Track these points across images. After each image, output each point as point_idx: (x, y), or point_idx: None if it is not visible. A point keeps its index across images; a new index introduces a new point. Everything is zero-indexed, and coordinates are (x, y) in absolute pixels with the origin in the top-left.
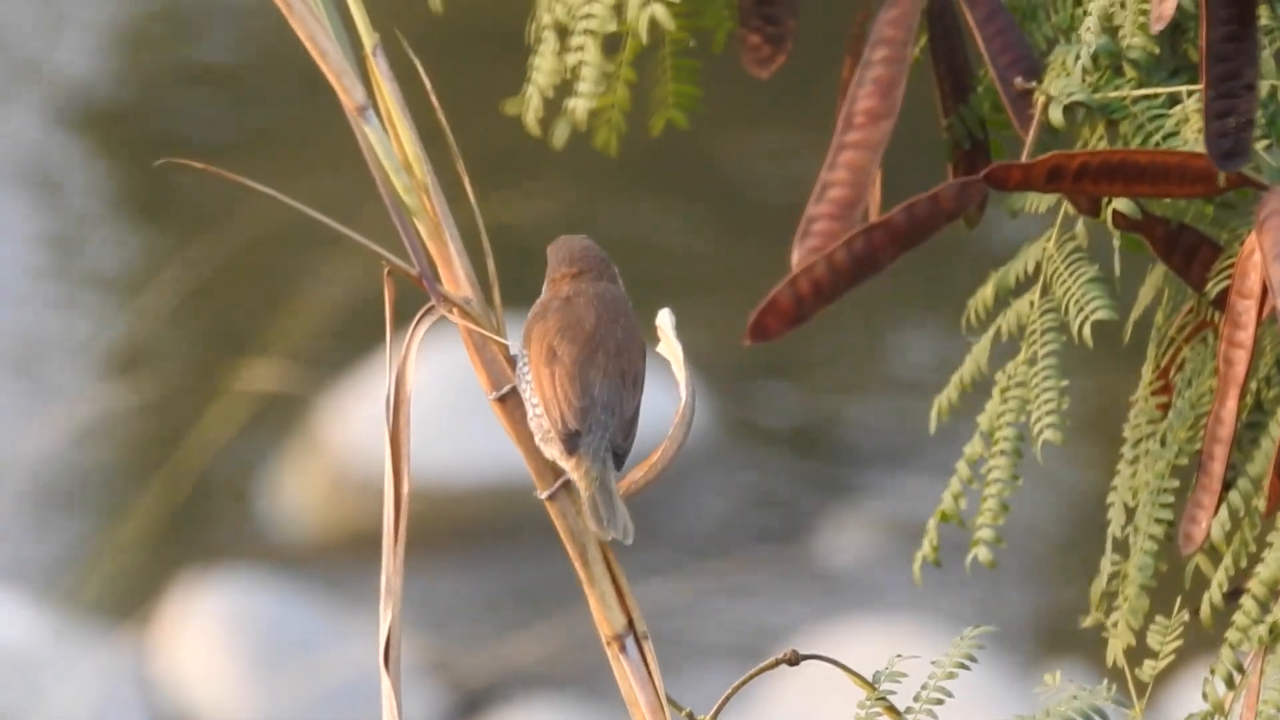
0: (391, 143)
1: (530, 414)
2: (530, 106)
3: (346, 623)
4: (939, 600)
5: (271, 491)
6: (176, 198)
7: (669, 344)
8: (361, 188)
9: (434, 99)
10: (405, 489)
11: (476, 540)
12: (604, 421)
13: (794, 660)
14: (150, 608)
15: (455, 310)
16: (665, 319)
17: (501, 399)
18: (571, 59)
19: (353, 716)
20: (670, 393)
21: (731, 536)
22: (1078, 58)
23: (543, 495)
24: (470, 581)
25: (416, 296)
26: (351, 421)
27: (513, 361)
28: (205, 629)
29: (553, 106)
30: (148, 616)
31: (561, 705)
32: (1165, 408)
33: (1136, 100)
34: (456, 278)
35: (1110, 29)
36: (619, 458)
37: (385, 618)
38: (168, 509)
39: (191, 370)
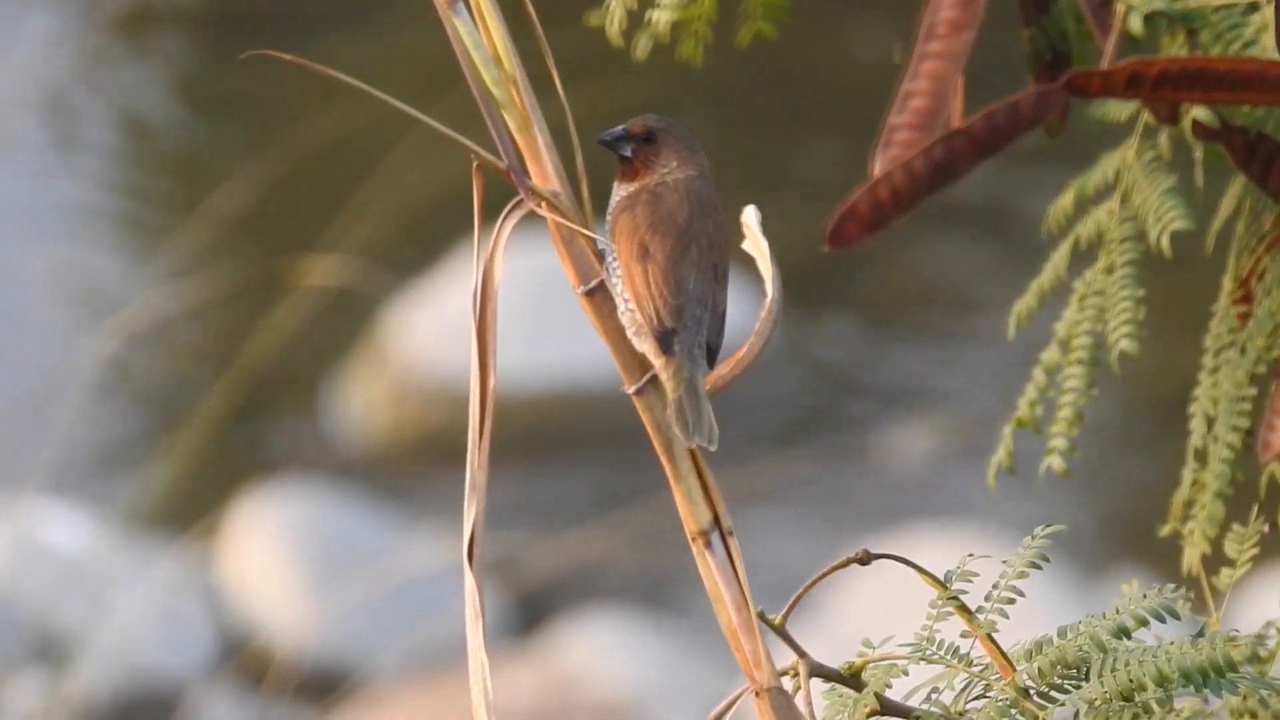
0: (480, 35)
1: (621, 308)
2: (614, 18)
3: (409, 531)
4: (1000, 506)
5: (335, 399)
6: (250, 94)
7: (755, 241)
8: (427, 89)
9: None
10: (491, 384)
11: (539, 446)
12: (699, 317)
13: (865, 560)
14: (214, 518)
15: (544, 204)
16: (751, 215)
17: (589, 293)
18: None
19: (416, 623)
20: (741, 289)
21: (794, 435)
22: None
23: (630, 390)
24: (533, 487)
25: (497, 191)
26: (415, 329)
27: (600, 255)
28: (269, 539)
29: (636, 17)
30: (211, 527)
31: (620, 605)
32: (1245, 317)
33: (1216, 9)
34: (545, 172)
35: None
36: (712, 355)
37: (469, 515)
38: (231, 416)
39: (258, 269)
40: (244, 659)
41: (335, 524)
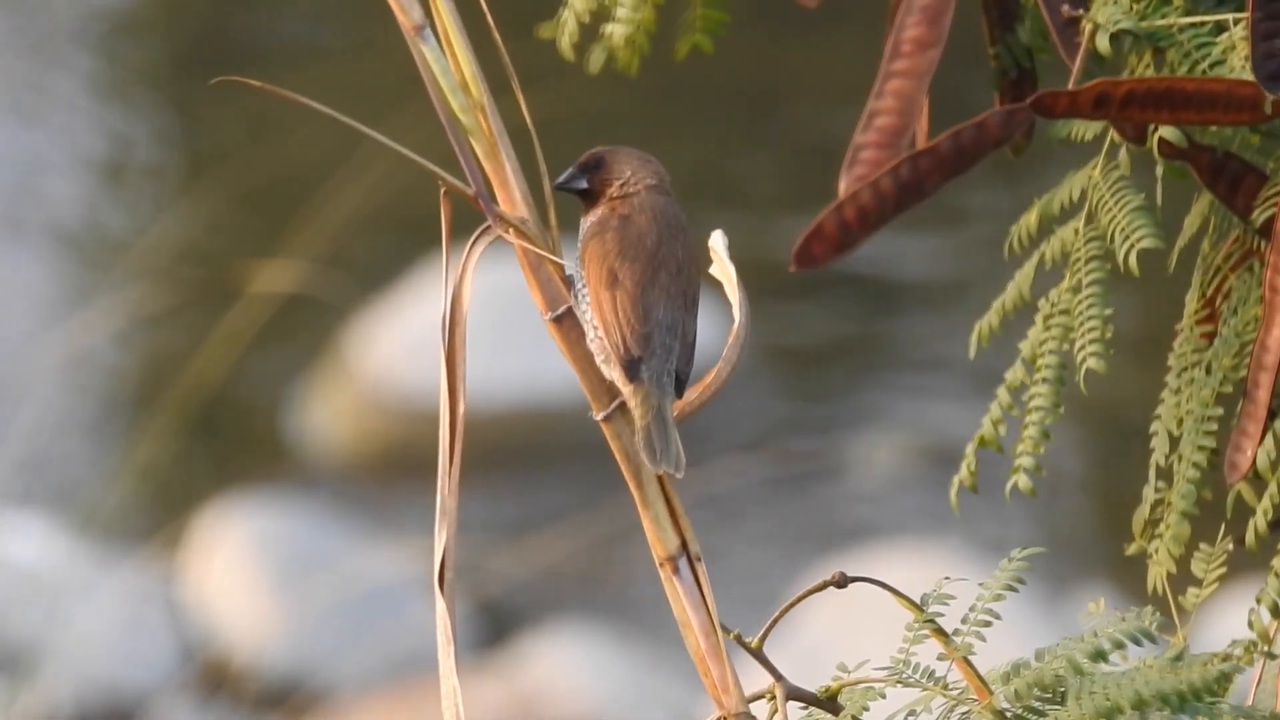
0: (448, 61)
1: (590, 335)
2: (565, 31)
3: (373, 545)
4: (966, 523)
5: (298, 411)
6: (217, 114)
7: (721, 265)
8: (384, 108)
9: (489, 17)
10: (461, 409)
11: (503, 461)
12: (667, 344)
13: (842, 583)
14: (176, 529)
15: (512, 230)
16: (718, 240)
17: (557, 319)
18: None
19: (378, 634)
20: (710, 313)
21: (762, 454)
22: None
23: (598, 417)
24: (497, 501)
25: (465, 211)
26: (378, 342)
27: (568, 282)
28: (231, 549)
29: (587, 28)
30: (173, 537)
31: (584, 618)
32: (1210, 336)
33: (1183, 28)
34: (513, 198)
35: None
36: (680, 384)
37: (440, 540)
38: (192, 425)
39: (215, 276)
40: (206, 669)
41: (298, 535)
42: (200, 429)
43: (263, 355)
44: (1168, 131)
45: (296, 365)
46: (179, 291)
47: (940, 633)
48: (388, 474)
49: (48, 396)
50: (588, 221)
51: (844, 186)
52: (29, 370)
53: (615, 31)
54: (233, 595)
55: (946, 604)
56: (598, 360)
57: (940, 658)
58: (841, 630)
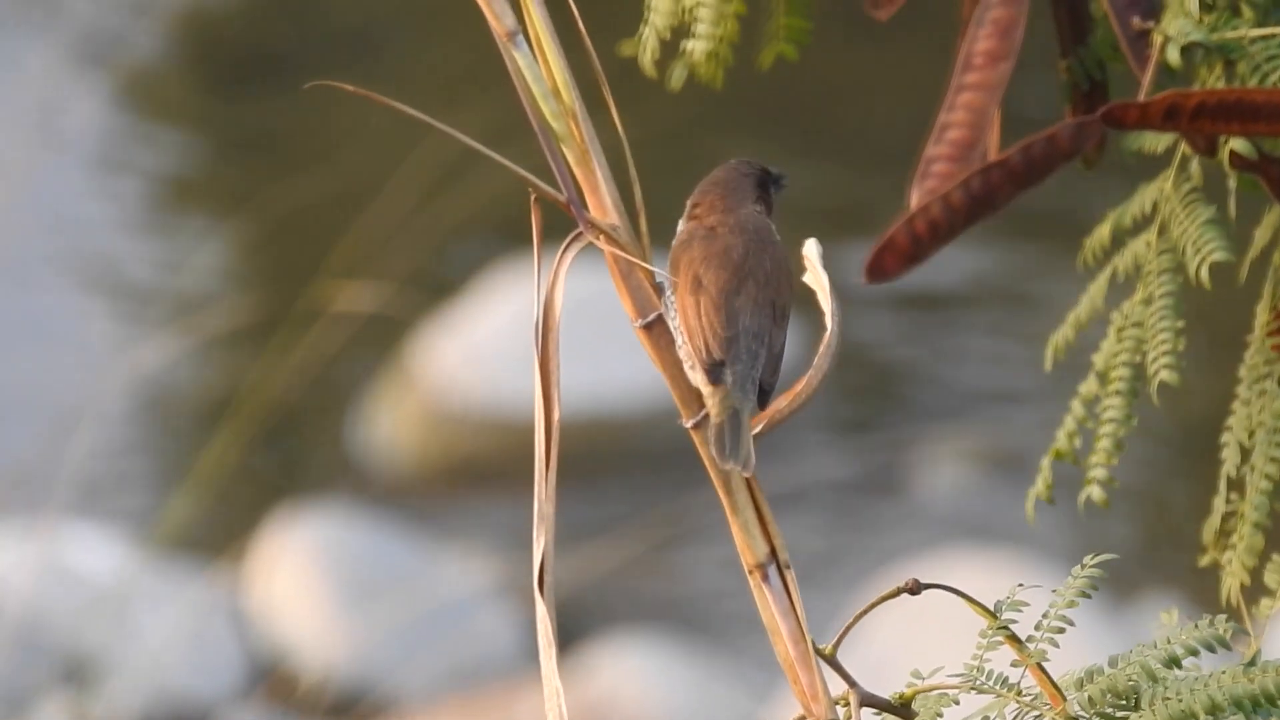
0: (540, 68)
1: (678, 342)
2: (647, 48)
3: (438, 556)
4: (1026, 533)
5: (364, 424)
6: (278, 126)
7: (815, 273)
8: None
9: (580, 24)
10: (556, 416)
11: (572, 470)
12: (753, 351)
13: (916, 589)
14: (243, 542)
15: (603, 237)
16: (812, 248)
17: (647, 326)
18: (689, 0)
19: (444, 647)
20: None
21: (828, 466)
22: None
23: (687, 424)
24: (565, 510)
25: (553, 222)
26: (445, 354)
27: (659, 289)
28: (298, 563)
29: (668, 46)
30: (240, 551)
31: (651, 627)
32: None
33: (1254, 40)
34: (604, 205)
35: None
36: (764, 393)
37: (539, 544)
38: (260, 440)
39: (278, 296)
40: (273, 682)
41: (364, 548)
42: (267, 442)
43: (329, 369)
44: (1238, 143)
45: (361, 377)
46: (244, 312)
47: (1014, 639)
48: (453, 485)
49: (119, 413)
50: (681, 231)
51: (915, 199)
52: (101, 388)
53: (696, 48)
54: (298, 607)
55: (1020, 611)
56: (685, 367)
57: (1014, 664)
58: (909, 638)
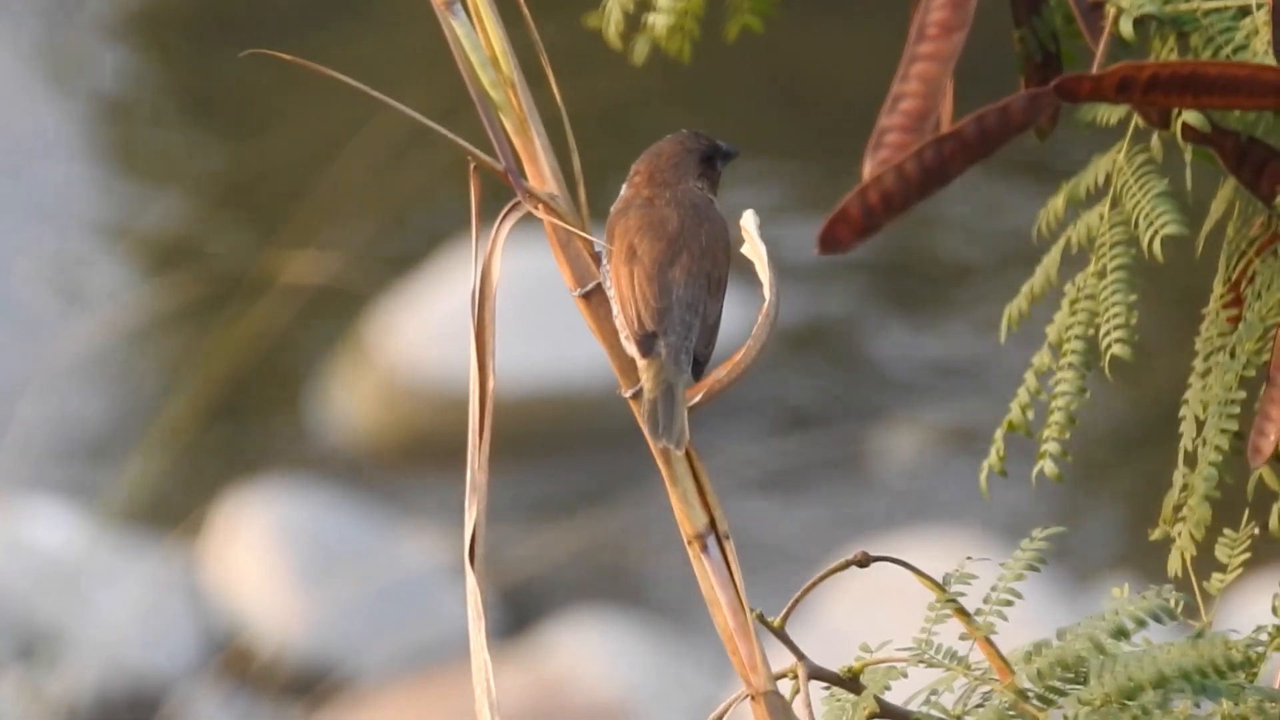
0: (478, 36)
1: (615, 311)
2: (611, 20)
3: (396, 533)
4: (985, 512)
5: (321, 398)
6: (226, 92)
7: (753, 244)
8: (403, 85)
9: None
10: (491, 385)
11: (525, 448)
12: (687, 322)
13: (864, 562)
14: (199, 516)
15: (541, 206)
16: (750, 219)
17: (585, 296)
18: None
19: (402, 623)
20: (738, 295)
21: (786, 445)
22: None
23: (626, 394)
24: (518, 488)
25: (498, 193)
26: (401, 328)
27: (597, 258)
28: (254, 538)
29: (632, 18)
30: (197, 525)
31: (607, 606)
32: (1235, 320)
33: (1207, 13)
34: (542, 174)
35: None
36: (698, 365)
37: (471, 515)
38: (216, 412)
39: (236, 266)
40: (229, 657)
41: (321, 523)
42: (224, 416)
43: (284, 343)
44: (1191, 116)
45: (318, 351)
46: (199, 283)
47: (962, 612)
48: (411, 461)
49: (68, 386)
50: (619, 200)
51: (868, 170)
52: (52, 357)
53: (658, 21)
54: (256, 583)
55: (969, 584)
56: (621, 337)
57: (962, 638)
58: (866, 616)
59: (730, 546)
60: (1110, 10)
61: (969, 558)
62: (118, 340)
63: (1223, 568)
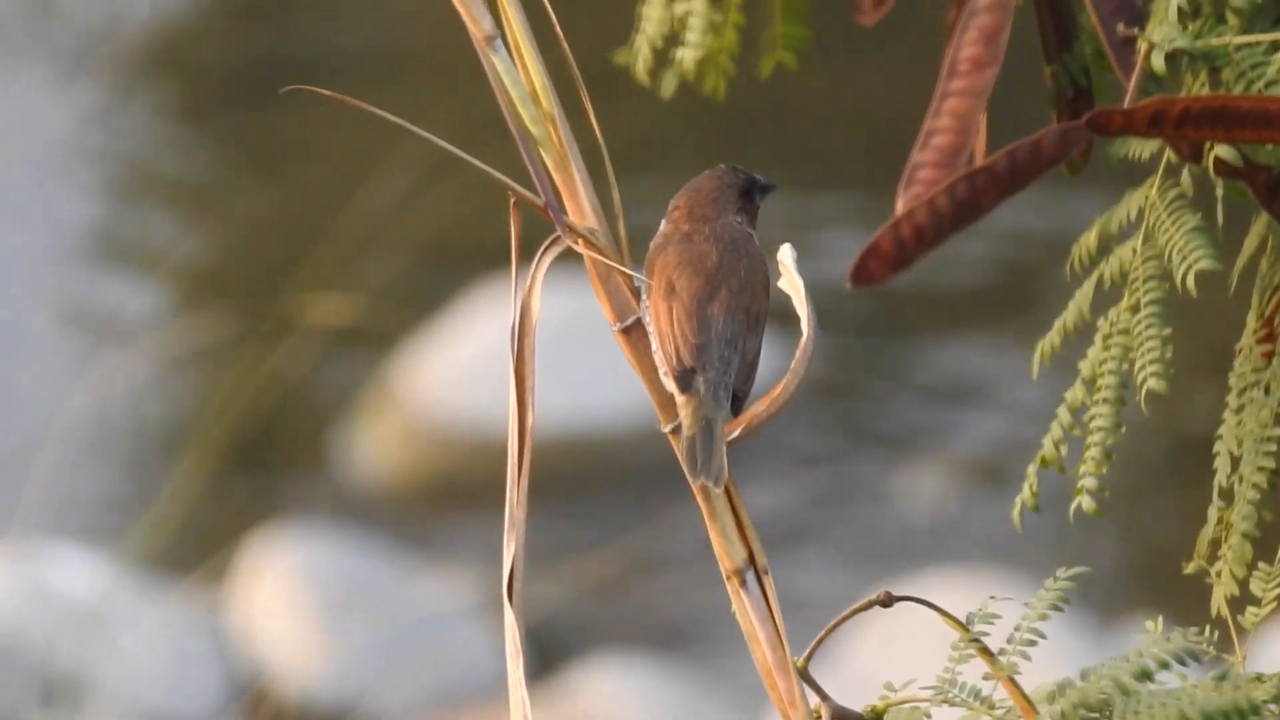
0: (519, 72)
1: (653, 347)
2: (640, 57)
3: (419, 575)
4: (1012, 551)
5: (345, 441)
6: (256, 131)
7: (790, 278)
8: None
9: (557, 28)
10: (530, 421)
11: (554, 488)
12: (725, 357)
13: (887, 602)
14: (222, 559)
15: (581, 241)
16: (787, 254)
17: (625, 330)
18: (679, 9)
19: (425, 665)
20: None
21: (806, 477)
22: (1180, 5)
23: (665, 429)
24: (548, 528)
25: (530, 228)
26: (426, 371)
27: (636, 293)
28: (278, 581)
29: (660, 54)
30: (220, 568)
31: (633, 645)
32: (1270, 355)
33: (1238, 47)
34: (582, 209)
35: None
36: (737, 400)
37: (509, 551)
38: (239, 456)
39: (262, 307)
40: (253, 700)
41: (344, 566)
42: (247, 459)
43: (308, 384)
44: (1223, 150)
45: (342, 393)
46: (224, 323)
47: (986, 652)
48: (434, 503)
49: (91, 431)
50: (658, 236)
51: (901, 204)
52: (71, 405)
53: (686, 56)
54: (278, 625)
55: (992, 623)
56: (660, 373)
57: (986, 677)
58: (890, 655)
59: (769, 582)
60: (1142, 45)
61: (992, 597)
62: (137, 384)
63: (1257, 601)
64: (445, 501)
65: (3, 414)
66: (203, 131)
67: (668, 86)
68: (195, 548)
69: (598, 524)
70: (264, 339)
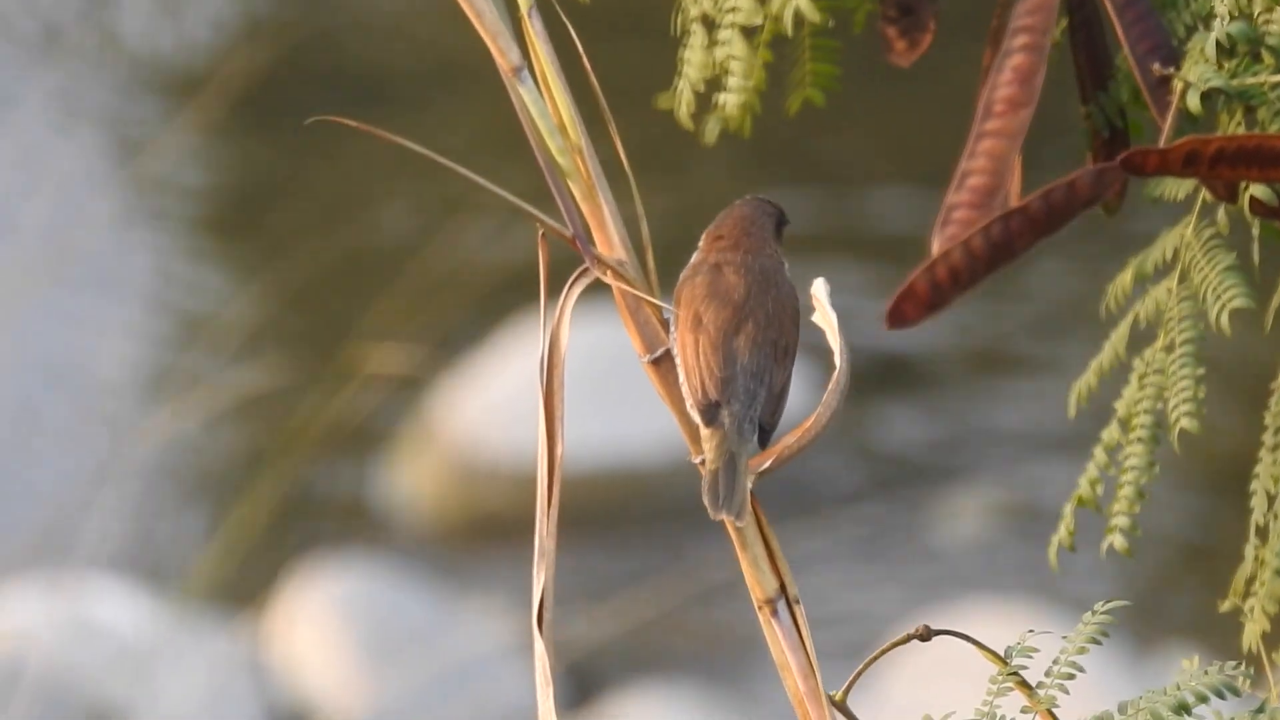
0: (546, 103)
1: (680, 379)
2: (683, 101)
3: (460, 611)
4: (1047, 584)
5: (386, 478)
6: (312, 179)
7: (823, 312)
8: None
9: (586, 61)
10: (559, 452)
11: (588, 523)
12: (752, 390)
13: (926, 636)
14: (264, 596)
15: (610, 272)
16: (820, 287)
17: (655, 362)
18: (720, 53)
19: (464, 701)
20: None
21: (844, 510)
22: (1216, 43)
23: (695, 460)
24: (581, 563)
25: (559, 262)
26: (464, 407)
27: (666, 325)
28: (319, 617)
29: (700, 99)
30: (262, 605)
31: (670, 679)
32: None
33: (1274, 86)
34: (611, 240)
35: (1248, 14)
36: (765, 433)
37: (539, 581)
38: (283, 494)
39: (309, 356)
40: None
41: (385, 602)
42: (290, 494)
43: (353, 423)
44: (1258, 189)
45: (383, 431)
46: (276, 372)
47: (1024, 685)
48: (475, 539)
49: (147, 470)
50: (686, 267)
51: (936, 246)
52: (129, 445)
53: (729, 101)
54: (320, 661)
55: (1030, 657)
56: (686, 405)
57: (1024, 710)
58: (928, 688)
59: (800, 611)
60: (1177, 85)
61: (1030, 630)
62: (195, 427)
63: None
64: (486, 537)
65: (64, 450)
66: (261, 173)
67: (711, 132)
68: (240, 583)
69: (635, 558)
70: (322, 387)
